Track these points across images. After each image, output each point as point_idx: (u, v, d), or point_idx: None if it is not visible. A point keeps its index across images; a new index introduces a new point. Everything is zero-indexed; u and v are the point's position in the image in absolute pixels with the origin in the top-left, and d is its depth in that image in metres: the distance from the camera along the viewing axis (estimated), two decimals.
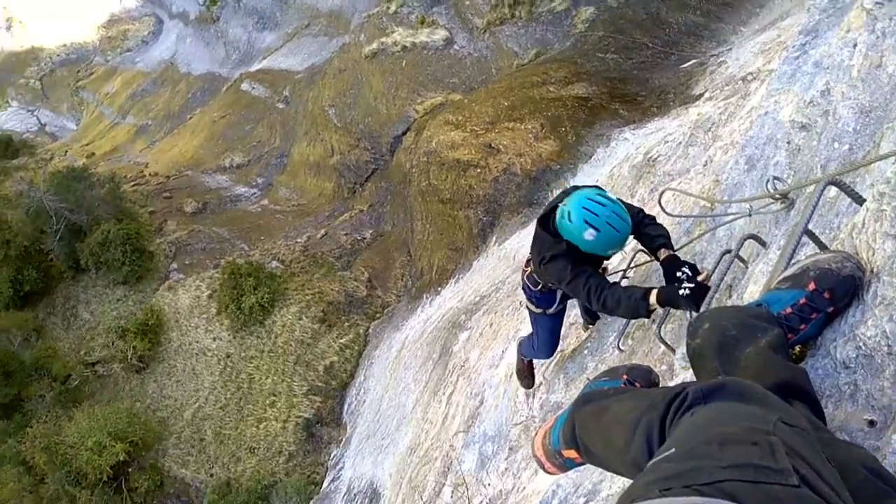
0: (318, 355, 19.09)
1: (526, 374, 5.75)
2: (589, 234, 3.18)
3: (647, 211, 3.64)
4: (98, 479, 18.45)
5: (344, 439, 17.70)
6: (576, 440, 1.60)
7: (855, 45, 2.47)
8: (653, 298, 3.05)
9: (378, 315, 19.66)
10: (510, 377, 7.30)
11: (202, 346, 20.61)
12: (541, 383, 5.94)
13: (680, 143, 10.97)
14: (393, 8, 25.92)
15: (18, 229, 23.23)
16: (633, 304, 3.14)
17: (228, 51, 41.30)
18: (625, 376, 1.85)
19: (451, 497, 7.25)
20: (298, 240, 22.64)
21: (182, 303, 21.68)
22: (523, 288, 4.43)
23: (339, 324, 19.47)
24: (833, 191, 1.99)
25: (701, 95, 15.07)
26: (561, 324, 4.68)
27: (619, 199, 3.35)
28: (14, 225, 23.26)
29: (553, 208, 3.54)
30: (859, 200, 1.89)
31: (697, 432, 1.05)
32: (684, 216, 2.87)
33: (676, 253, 3.31)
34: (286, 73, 33.80)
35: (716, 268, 2.97)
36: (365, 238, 21.94)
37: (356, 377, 18.73)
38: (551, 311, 4.44)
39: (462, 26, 24.10)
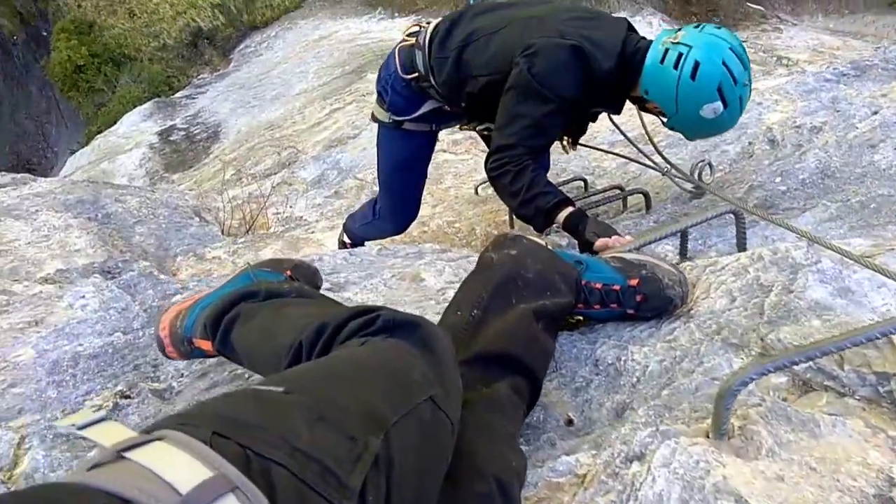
0: None
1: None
2: (711, 110, 2.02)
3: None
4: None
5: (222, 72, 16.88)
6: (217, 329, 1.30)
7: (875, 113, 2.28)
8: (562, 216, 2.12)
9: None
10: None
11: None
12: None
13: None
14: None
15: None
16: (531, 210, 2.17)
17: None
18: (289, 272, 1.55)
19: (274, 185, 7.19)
20: None
21: None
22: (383, 67, 2.60)
23: None
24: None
25: None
26: (423, 160, 2.83)
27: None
28: None
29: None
30: (743, 247, 1.80)
31: (326, 384, 0.84)
32: (622, 133, 2.69)
33: None
34: None
35: (600, 202, 2.95)
36: None
37: (269, 29, 17.48)
38: (409, 123, 2.62)
39: None
